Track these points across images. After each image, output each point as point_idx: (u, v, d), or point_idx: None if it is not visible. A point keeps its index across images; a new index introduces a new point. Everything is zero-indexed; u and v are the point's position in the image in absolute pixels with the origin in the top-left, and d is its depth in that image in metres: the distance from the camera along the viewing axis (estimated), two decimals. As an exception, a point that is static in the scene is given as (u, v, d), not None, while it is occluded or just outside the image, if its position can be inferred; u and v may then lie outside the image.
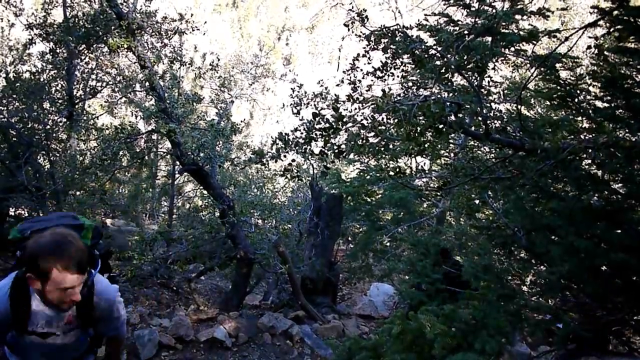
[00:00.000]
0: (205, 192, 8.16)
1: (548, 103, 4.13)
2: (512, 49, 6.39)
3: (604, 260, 2.86)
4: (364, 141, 3.71)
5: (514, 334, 3.14)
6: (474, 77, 5.84)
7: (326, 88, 4.82)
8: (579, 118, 3.52)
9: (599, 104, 3.34)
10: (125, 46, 6.34)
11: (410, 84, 5.62)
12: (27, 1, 8.47)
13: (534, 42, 5.91)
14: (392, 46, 5.27)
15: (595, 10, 2.95)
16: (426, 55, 4.73)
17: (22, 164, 6.67)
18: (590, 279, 2.98)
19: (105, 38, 6.85)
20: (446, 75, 5.02)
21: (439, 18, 6.38)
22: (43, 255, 1.64)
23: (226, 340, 5.61)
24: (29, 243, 1.70)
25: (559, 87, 3.36)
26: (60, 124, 7.83)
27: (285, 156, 3.95)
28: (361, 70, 5.46)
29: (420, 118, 3.45)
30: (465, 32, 5.14)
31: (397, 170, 4.27)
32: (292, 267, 7.23)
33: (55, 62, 7.58)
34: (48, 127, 7.43)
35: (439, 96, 3.83)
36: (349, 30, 5.79)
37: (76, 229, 1.94)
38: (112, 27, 6.70)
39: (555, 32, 5.77)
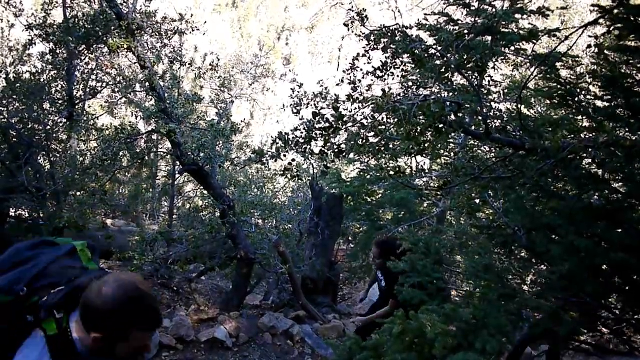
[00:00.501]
0: (205, 192, 8.15)
1: (548, 102, 4.13)
2: (512, 48, 6.38)
3: (605, 260, 2.86)
4: (364, 141, 3.71)
5: (515, 334, 3.14)
6: (474, 77, 5.83)
7: (326, 88, 4.81)
8: (579, 117, 3.52)
9: (599, 103, 3.34)
10: (125, 46, 6.34)
11: (410, 83, 5.62)
12: (27, 2, 8.47)
13: (534, 42, 5.90)
14: (392, 46, 5.26)
15: (596, 9, 2.94)
16: (426, 55, 4.72)
17: (23, 165, 6.67)
18: (590, 278, 2.97)
19: (105, 38, 6.85)
20: (446, 75, 5.02)
21: (439, 17, 6.36)
22: (119, 316, 1.37)
23: (227, 341, 5.61)
24: (90, 299, 1.38)
25: (559, 86, 3.36)
26: (61, 125, 7.83)
27: (285, 156, 3.95)
28: (361, 70, 5.45)
29: (421, 118, 3.45)
30: (465, 31, 5.13)
31: (398, 170, 4.27)
32: (293, 267, 7.23)
33: (55, 62, 7.58)
34: (48, 127, 7.43)
35: (439, 96, 3.83)
36: (348, 30, 5.79)
37: (70, 255, 1.65)
38: (112, 28, 6.70)
39: (556, 31, 5.76)
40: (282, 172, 4.28)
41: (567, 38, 2.87)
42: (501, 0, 6.11)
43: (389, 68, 5.35)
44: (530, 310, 3.17)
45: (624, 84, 3.04)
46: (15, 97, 7.14)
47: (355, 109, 3.69)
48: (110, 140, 6.35)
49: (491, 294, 3.11)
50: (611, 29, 2.98)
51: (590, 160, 3.40)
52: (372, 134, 3.70)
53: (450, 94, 4.97)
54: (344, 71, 5.56)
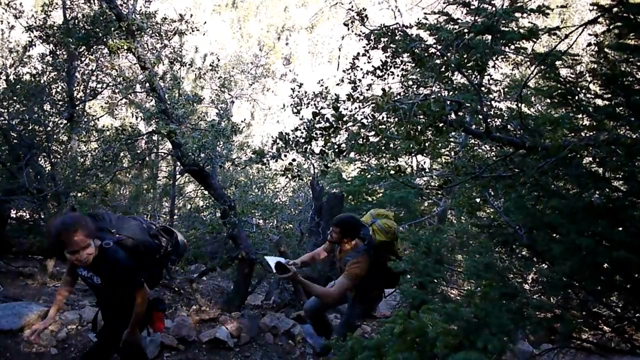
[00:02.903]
0: (206, 192, 8.15)
1: (548, 101, 4.13)
2: (512, 47, 6.37)
3: (606, 258, 2.86)
4: (365, 140, 3.71)
5: (517, 332, 3.14)
6: (474, 76, 5.83)
7: (326, 87, 4.82)
8: (580, 116, 3.52)
9: (599, 101, 3.34)
10: (125, 47, 6.35)
11: (410, 82, 5.62)
12: (26, 3, 8.48)
13: (534, 40, 5.89)
14: (392, 45, 5.27)
15: (595, 8, 2.94)
16: (426, 54, 4.72)
17: (23, 166, 6.67)
18: (591, 276, 2.97)
19: (105, 39, 6.85)
20: (446, 74, 5.02)
21: (439, 16, 6.37)
22: None
23: (228, 341, 5.62)
24: None
25: (559, 85, 3.36)
26: (61, 126, 7.84)
27: (285, 156, 3.96)
28: (361, 69, 5.46)
29: (421, 117, 3.45)
30: (465, 30, 5.13)
31: (398, 169, 4.27)
32: (294, 267, 7.22)
33: (55, 64, 7.59)
34: (49, 128, 7.44)
35: (439, 95, 3.83)
36: (348, 29, 5.79)
37: None
38: (112, 29, 6.70)
39: (555, 30, 5.75)
40: (282, 172, 4.29)
41: (567, 36, 2.88)
42: (501, -1, 6.11)
43: (389, 67, 5.36)
44: (532, 308, 3.17)
45: (624, 82, 3.03)
46: (15, 98, 7.15)
47: (356, 108, 3.69)
48: (111, 141, 6.37)
49: (492, 292, 3.11)
50: (611, 27, 2.98)
51: (590, 159, 3.40)
52: (373, 133, 3.70)
53: (451, 93, 4.98)
54: (344, 71, 5.57)
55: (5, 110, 7.09)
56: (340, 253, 4.20)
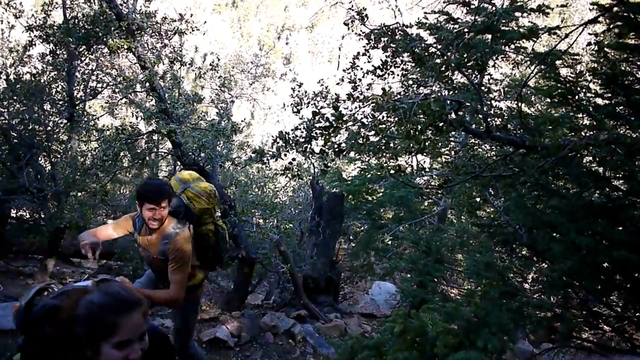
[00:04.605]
0: (206, 192, 8.12)
1: (548, 100, 4.13)
2: (512, 46, 6.38)
3: (606, 258, 2.86)
4: (365, 140, 3.71)
5: (517, 332, 3.14)
6: (474, 75, 5.83)
7: (326, 87, 4.83)
8: (580, 115, 3.52)
9: (599, 101, 3.34)
10: (125, 47, 6.35)
11: (410, 82, 5.63)
12: (26, 3, 8.46)
13: (534, 40, 5.89)
14: (392, 44, 5.26)
15: (595, 7, 2.94)
16: (426, 54, 4.72)
17: (23, 166, 6.67)
18: (591, 276, 2.97)
19: (105, 39, 6.84)
20: (446, 73, 5.02)
21: (439, 16, 6.37)
22: None
23: (229, 340, 5.62)
24: None
25: (559, 85, 3.36)
26: (61, 125, 7.83)
27: (285, 155, 3.96)
28: (361, 68, 5.46)
29: (421, 116, 3.46)
30: (465, 29, 5.13)
31: (398, 168, 4.27)
32: (294, 267, 7.23)
33: (55, 63, 7.58)
34: (49, 128, 7.43)
35: (439, 94, 3.84)
36: (348, 29, 5.79)
37: None
38: (112, 28, 6.69)
39: (555, 29, 5.75)
40: (282, 172, 4.29)
41: (567, 36, 2.88)
42: (501, -2, 6.11)
43: (389, 67, 5.36)
44: (532, 308, 3.17)
45: (624, 81, 3.04)
46: (15, 98, 7.14)
47: (356, 107, 3.69)
48: (111, 141, 6.37)
49: (492, 292, 3.11)
50: (611, 27, 2.99)
51: (590, 158, 3.40)
52: (373, 132, 3.71)
53: (451, 92, 4.98)
54: (344, 70, 5.56)
55: (6, 110, 7.08)
56: (153, 236, 2.99)
